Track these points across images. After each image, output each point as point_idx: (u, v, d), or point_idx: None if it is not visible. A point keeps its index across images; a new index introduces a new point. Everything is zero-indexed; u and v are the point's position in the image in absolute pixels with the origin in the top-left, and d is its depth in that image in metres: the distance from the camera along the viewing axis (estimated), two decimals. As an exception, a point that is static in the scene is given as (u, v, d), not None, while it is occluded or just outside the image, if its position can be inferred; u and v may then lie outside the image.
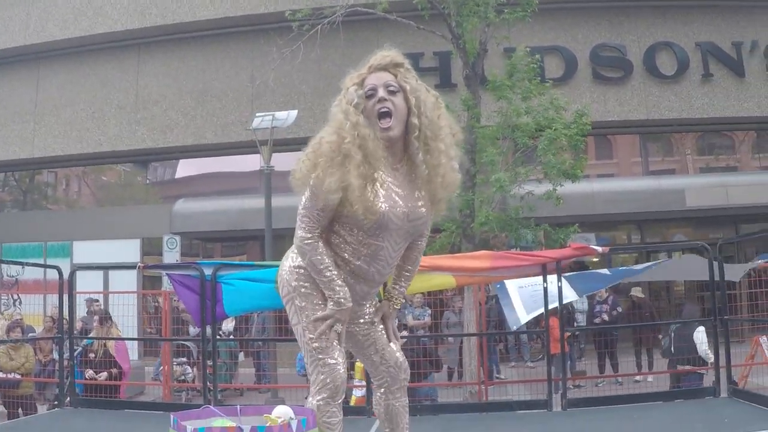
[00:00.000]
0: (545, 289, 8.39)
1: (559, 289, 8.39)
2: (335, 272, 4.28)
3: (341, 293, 4.26)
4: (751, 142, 24.67)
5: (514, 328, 9.96)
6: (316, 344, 4.26)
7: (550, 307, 8.54)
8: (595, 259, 21.60)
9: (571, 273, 9.55)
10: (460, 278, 8.76)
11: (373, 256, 4.35)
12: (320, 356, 4.25)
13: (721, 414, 7.23)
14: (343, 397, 4.35)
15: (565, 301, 8.86)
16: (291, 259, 4.51)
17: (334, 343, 4.27)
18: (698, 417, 7.21)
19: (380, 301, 4.77)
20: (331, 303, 4.26)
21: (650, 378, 14.29)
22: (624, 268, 9.88)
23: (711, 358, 11.59)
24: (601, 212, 21.34)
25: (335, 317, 4.26)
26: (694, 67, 22.86)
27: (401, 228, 4.32)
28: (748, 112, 22.68)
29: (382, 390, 4.74)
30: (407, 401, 4.81)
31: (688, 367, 11.49)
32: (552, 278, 8.37)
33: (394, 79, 4.31)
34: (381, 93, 4.23)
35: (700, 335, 11.56)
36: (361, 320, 4.65)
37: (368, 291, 4.56)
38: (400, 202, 4.28)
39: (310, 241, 4.26)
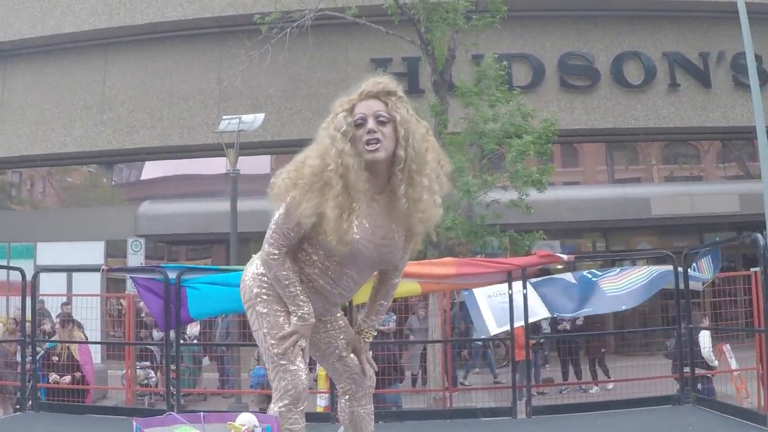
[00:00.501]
0: (510, 297, 8.38)
1: (525, 297, 8.39)
2: (299, 288, 4.24)
3: (305, 308, 4.23)
4: (716, 152, 24.85)
5: (483, 336, 9.94)
6: (277, 350, 4.20)
7: (518, 324, 8.53)
8: (559, 267, 21.71)
9: (537, 279, 9.53)
10: (425, 285, 8.73)
11: (337, 279, 4.32)
12: (282, 362, 4.20)
13: (685, 422, 7.25)
14: (306, 403, 4.30)
15: (534, 319, 8.88)
16: (255, 266, 4.47)
17: (300, 350, 4.23)
18: (663, 425, 7.23)
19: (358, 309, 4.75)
20: (295, 318, 4.22)
21: (610, 386, 14.36)
22: (588, 275, 9.78)
23: (715, 362, 11.68)
24: (566, 220, 21.42)
25: (299, 332, 4.22)
26: (661, 77, 23.03)
27: (370, 258, 4.28)
28: (713, 122, 22.87)
29: (347, 397, 4.72)
30: (372, 408, 4.79)
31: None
32: (518, 285, 8.36)
33: (385, 108, 4.18)
34: (371, 124, 4.11)
35: (704, 339, 11.62)
36: (322, 329, 4.60)
37: (329, 309, 4.54)
38: (374, 234, 4.21)
39: (276, 256, 4.22)
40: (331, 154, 4.05)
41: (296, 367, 4.19)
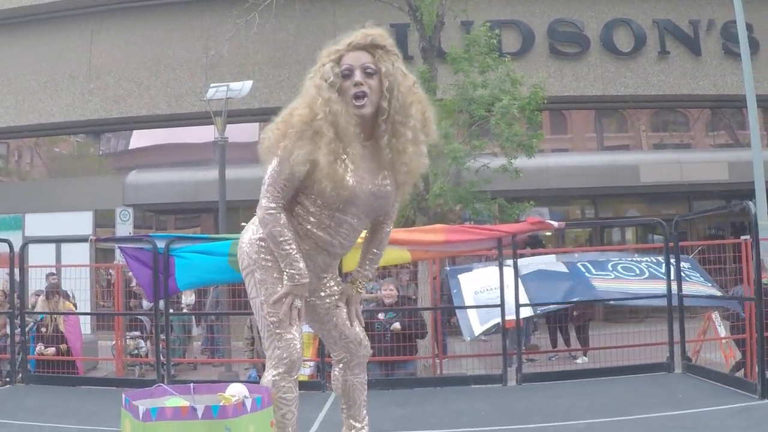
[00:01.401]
0: (500, 264, 8.35)
1: (515, 264, 8.37)
2: (294, 246, 4.21)
3: (297, 268, 4.19)
4: (705, 120, 24.84)
5: (468, 339, 9.93)
6: (273, 318, 4.21)
7: (507, 318, 8.50)
8: (548, 233, 21.72)
9: (528, 270, 9.50)
10: (415, 253, 8.69)
11: (336, 228, 4.31)
12: (277, 331, 4.20)
13: (675, 389, 7.25)
14: (299, 372, 4.31)
15: (522, 315, 8.87)
16: (252, 232, 4.45)
17: (294, 319, 4.21)
18: (653, 392, 7.23)
19: (343, 278, 4.72)
20: (287, 278, 4.20)
21: (584, 358, 14.36)
22: (582, 268, 9.77)
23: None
24: (555, 187, 21.41)
25: (293, 293, 4.20)
26: (651, 44, 22.98)
27: (367, 204, 4.31)
28: (703, 90, 22.87)
29: (341, 365, 4.73)
30: (366, 378, 4.79)
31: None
32: (509, 276, 8.33)
33: (372, 59, 4.23)
34: (358, 76, 4.17)
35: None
36: (323, 293, 4.59)
37: (330, 263, 4.52)
38: (368, 178, 4.26)
39: (273, 211, 4.20)
40: (318, 104, 4.09)
41: (291, 336, 4.19)
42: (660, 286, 8.88)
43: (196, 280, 8.76)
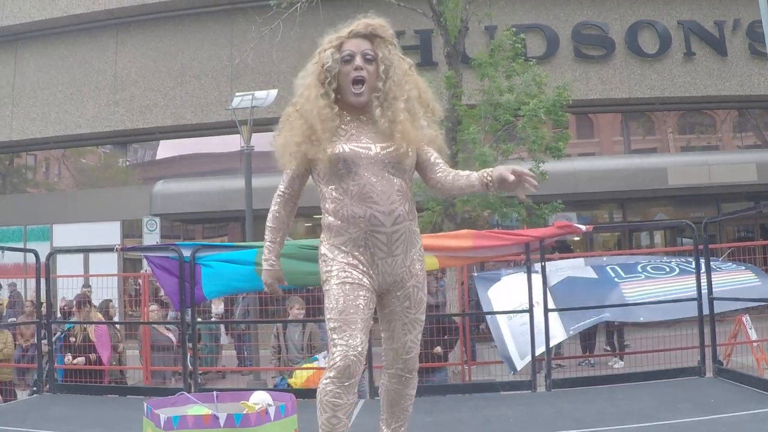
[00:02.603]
0: (528, 269, 8.27)
1: (543, 269, 8.29)
2: (274, 237, 4.67)
3: (266, 255, 4.66)
4: (732, 121, 24.67)
5: (512, 373, 9.87)
6: (332, 325, 4.30)
7: (539, 351, 8.42)
8: (576, 238, 21.62)
9: (557, 279, 9.40)
10: (442, 260, 8.61)
11: (360, 196, 4.38)
12: (334, 336, 4.28)
13: (706, 394, 7.16)
14: (355, 379, 4.29)
15: (553, 342, 8.78)
16: (320, 247, 4.62)
17: (353, 325, 4.28)
18: (684, 397, 7.12)
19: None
20: (266, 265, 4.67)
21: (621, 362, 14.23)
22: (611, 272, 9.65)
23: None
24: (582, 191, 21.27)
25: (264, 280, 4.68)
26: (676, 46, 22.84)
27: (376, 159, 4.43)
28: (729, 91, 22.70)
29: (388, 374, 4.76)
30: (408, 391, 4.79)
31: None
32: (537, 285, 8.24)
33: (371, 46, 4.53)
34: (358, 61, 4.46)
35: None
36: (408, 284, 4.59)
37: (388, 240, 4.47)
38: (365, 139, 4.47)
39: (279, 198, 4.64)
40: (298, 95, 4.59)
41: (345, 344, 4.22)
42: (691, 282, 8.73)
43: (222, 288, 8.72)
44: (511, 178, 4.33)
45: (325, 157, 4.38)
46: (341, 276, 4.39)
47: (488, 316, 9.84)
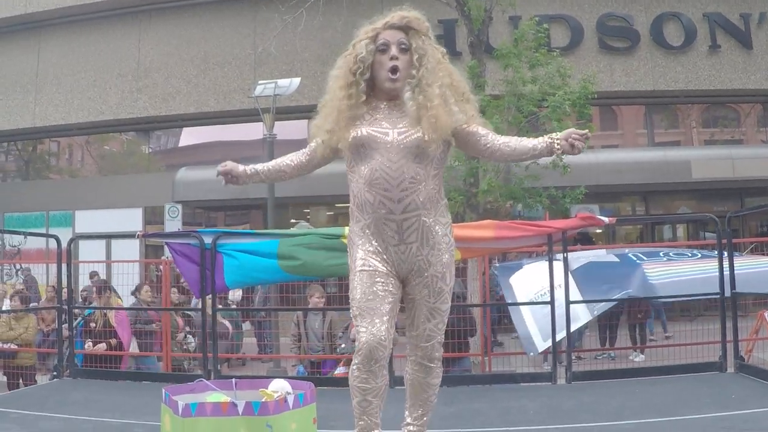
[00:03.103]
0: (550, 261, 8.23)
1: (565, 260, 8.24)
2: (259, 167, 5.00)
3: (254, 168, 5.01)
4: (757, 115, 24.49)
5: (531, 354, 9.82)
6: (354, 312, 4.46)
7: (561, 336, 8.38)
8: (598, 230, 21.53)
9: (579, 264, 9.33)
10: (465, 251, 8.57)
11: (371, 181, 4.46)
12: (357, 323, 4.44)
13: (728, 389, 7.11)
14: (381, 363, 4.41)
15: (576, 325, 8.73)
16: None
17: (373, 311, 4.39)
18: (705, 392, 7.08)
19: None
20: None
21: (642, 356, 14.16)
22: (632, 257, 9.58)
23: None
24: (605, 183, 21.14)
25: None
26: (702, 38, 22.66)
27: (392, 145, 4.48)
28: (754, 85, 22.52)
29: (412, 362, 4.80)
30: (430, 380, 4.81)
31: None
32: (559, 272, 8.19)
33: (406, 36, 4.59)
34: (394, 50, 4.54)
35: None
36: (426, 274, 4.60)
37: (398, 227, 4.51)
38: (386, 124, 4.55)
39: (297, 152, 4.92)
40: (328, 86, 4.70)
41: (365, 330, 4.36)
42: (713, 264, 8.65)
43: (245, 279, 8.74)
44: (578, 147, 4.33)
45: (347, 143, 4.49)
46: (359, 264, 4.53)
47: (503, 283, 9.80)
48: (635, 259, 9.50)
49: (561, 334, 8.41)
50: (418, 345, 4.69)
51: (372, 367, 4.36)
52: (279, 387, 4.14)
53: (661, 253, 9.84)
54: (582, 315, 9.01)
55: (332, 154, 4.72)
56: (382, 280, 4.47)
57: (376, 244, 4.52)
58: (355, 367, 4.39)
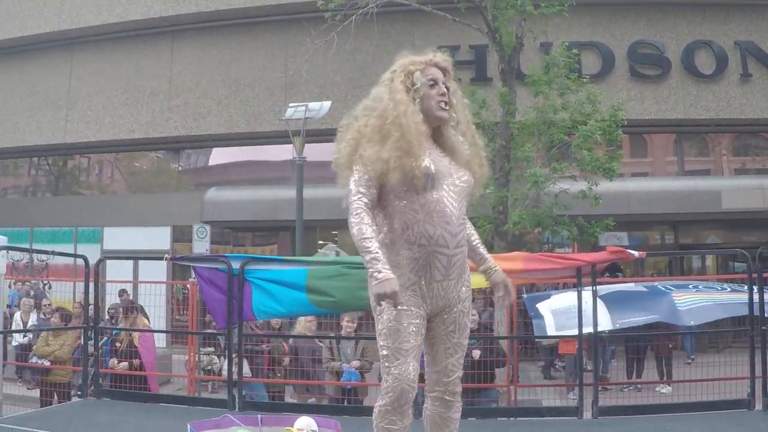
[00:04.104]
0: (579, 293, 8.18)
1: (594, 294, 8.19)
2: (376, 244, 4.29)
3: (377, 268, 4.21)
4: (788, 145, 24.33)
5: (537, 334, 9.76)
6: (385, 352, 4.42)
7: (571, 331, 8.34)
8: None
9: (607, 290, 9.26)
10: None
11: (435, 214, 4.46)
12: (387, 364, 4.40)
13: (756, 429, 7.03)
14: (410, 404, 4.43)
15: (600, 329, 8.66)
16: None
17: (406, 352, 4.37)
18: (732, 430, 7.01)
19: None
20: (371, 281, 4.24)
21: (669, 388, 14.02)
22: (661, 287, 9.50)
23: None
24: (635, 212, 21.03)
25: (378, 293, 4.18)
26: (733, 67, 22.53)
27: (453, 184, 4.57)
28: (787, 114, 22.35)
29: (431, 398, 4.75)
30: (452, 414, 4.77)
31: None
32: (587, 296, 8.14)
33: (444, 78, 4.75)
34: (443, 87, 4.68)
35: None
36: (455, 309, 4.65)
37: (448, 262, 4.52)
38: (445, 162, 4.62)
39: (358, 211, 4.38)
40: (389, 109, 4.54)
41: (398, 372, 4.35)
42: (743, 295, 8.58)
43: (273, 311, 8.71)
44: (501, 294, 5.00)
45: (420, 172, 4.41)
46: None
47: (531, 312, 9.76)
48: (663, 289, 9.43)
49: (573, 331, 8.41)
50: (440, 380, 4.68)
51: (402, 408, 4.37)
52: (305, 425, 4.13)
53: (690, 286, 9.76)
54: (604, 322, 8.91)
55: (381, 185, 4.54)
56: (417, 320, 4.46)
57: (415, 278, 4.48)
58: (383, 408, 4.37)
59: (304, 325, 12.06)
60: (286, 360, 12.36)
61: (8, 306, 16.74)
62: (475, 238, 5.01)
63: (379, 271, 4.19)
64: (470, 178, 4.67)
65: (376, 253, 4.26)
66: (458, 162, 4.67)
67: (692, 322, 9.51)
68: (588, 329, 8.23)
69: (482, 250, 5.06)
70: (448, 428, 4.76)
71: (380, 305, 4.30)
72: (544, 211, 15.57)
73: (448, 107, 4.68)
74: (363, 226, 4.33)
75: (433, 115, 4.63)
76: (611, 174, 15.48)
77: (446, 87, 4.71)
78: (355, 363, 10.97)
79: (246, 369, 12.30)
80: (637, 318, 9.34)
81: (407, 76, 4.67)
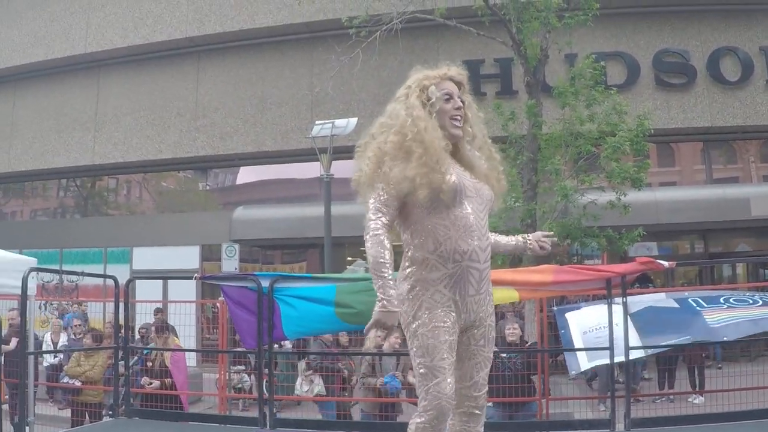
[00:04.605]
0: (609, 305, 8.14)
1: (624, 305, 8.14)
2: (390, 272, 4.32)
3: (388, 295, 4.26)
4: (817, 150, 24.15)
5: (573, 373, 9.75)
6: (423, 371, 4.37)
7: (602, 361, 8.31)
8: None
9: (638, 308, 9.22)
10: (523, 292, 8.54)
11: (466, 229, 4.46)
12: (425, 382, 4.35)
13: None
14: (447, 421, 4.45)
15: (631, 357, 8.61)
16: (400, 287, 4.56)
17: (443, 370, 4.35)
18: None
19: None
20: (378, 305, 4.26)
21: (701, 398, 13.91)
22: (693, 303, 9.44)
23: None
24: (664, 221, 20.92)
25: (380, 321, 4.26)
26: (759, 73, 22.38)
27: (476, 197, 4.58)
28: (814, 119, 22.19)
29: (457, 414, 4.70)
30: (478, 428, 4.76)
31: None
32: (618, 312, 8.10)
33: (458, 92, 4.72)
34: (459, 101, 4.67)
35: None
36: (485, 323, 4.67)
37: (480, 277, 4.55)
38: (467, 176, 4.60)
39: (378, 233, 4.36)
40: (407, 125, 4.50)
41: (437, 392, 4.32)
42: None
43: (303, 329, 8.73)
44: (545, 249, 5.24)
45: (448, 187, 4.40)
46: (430, 317, 4.41)
47: (562, 330, 9.74)
48: (695, 305, 9.38)
49: (604, 360, 8.37)
50: (470, 395, 4.66)
51: (439, 426, 4.37)
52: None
53: (721, 299, 9.68)
54: (634, 342, 8.87)
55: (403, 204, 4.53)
56: (452, 337, 4.45)
57: (450, 295, 4.46)
58: (421, 426, 4.35)
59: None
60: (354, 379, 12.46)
61: (65, 327, 16.83)
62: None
63: (389, 301, 4.25)
64: (490, 192, 4.69)
65: (391, 280, 4.30)
66: (477, 176, 4.67)
67: (725, 338, 9.46)
68: (620, 358, 8.18)
69: (502, 237, 5.24)
70: None
71: (368, 332, 4.46)
72: (573, 223, 15.54)
73: (462, 123, 4.69)
74: (382, 249, 4.32)
75: (448, 132, 4.61)
76: (639, 184, 15.44)
77: (462, 101, 4.71)
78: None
79: (321, 387, 12.43)
80: (669, 341, 9.29)
81: (422, 91, 4.65)
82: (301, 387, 13.08)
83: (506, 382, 10.40)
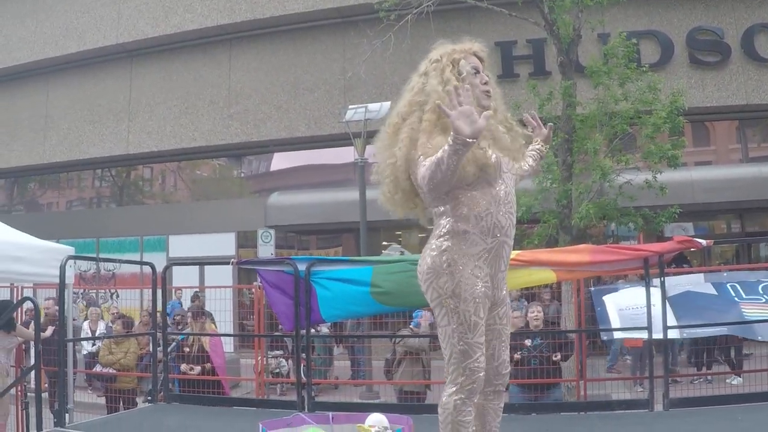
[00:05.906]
0: (647, 283, 8.10)
1: (662, 283, 8.09)
2: None
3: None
4: None
5: (605, 338, 9.70)
6: (461, 347, 4.35)
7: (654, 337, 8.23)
8: (692, 249, 21.10)
9: (675, 291, 9.17)
10: (560, 273, 8.48)
11: (506, 204, 4.50)
12: (464, 359, 4.35)
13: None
14: (478, 395, 4.48)
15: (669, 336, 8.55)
16: (430, 262, 4.51)
17: (480, 346, 4.37)
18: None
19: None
20: (456, 136, 3.95)
21: (740, 379, 13.81)
22: (732, 291, 9.37)
23: None
24: (699, 201, 20.76)
25: (477, 126, 3.97)
26: (795, 49, 22.15)
27: (508, 172, 4.63)
28: None
29: (486, 390, 4.71)
30: (501, 405, 4.82)
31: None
32: (655, 294, 8.04)
33: (482, 67, 4.75)
34: (485, 76, 4.69)
35: None
36: (507, 301, 4.72)
37: (508, 253, 4.60)
38: (497, 151, 4.57)
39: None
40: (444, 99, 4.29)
41: (476, 366, 4.36)
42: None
43: (339, 312, 8.71)
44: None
45: (490, 161, 4.43)
46: (471, 293, 4.38)
47: (598, 308, 9.71)
48: (733, 293, 9.31)
49: (642, 333, 8.35)
50: (499, 373, 4.69)
51: (473, 399, 4.41)
52: (376, 421, 4.12)
53: (760, 288, 9.58)
54: (673, 332, 8.83)
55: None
56: (485, 313, 4.46)
57: (488, 270, 4.45)
58: (460, 401, 4.34)
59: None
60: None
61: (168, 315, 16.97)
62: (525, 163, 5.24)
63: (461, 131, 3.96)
64: (513, 166, 4.71)
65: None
66: (501, 150, 4.59)
67: (759, 338, 9.41)
68: (658, 335, 8.12)
69: (529, 158, 5.34)
70: (498, 418, 4.81)
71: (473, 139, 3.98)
72: (609, 203, 15.46)
73: (490, 97, 4.65)
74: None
75: (479, 105, 4.48)
76: (675, 162, 15.33)
77: (486, 76, 4.72)
78: None
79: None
80: (704, 329, 9.25)
81: (454, 66, 4.66)
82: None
83: (530, 365, 10.37)
